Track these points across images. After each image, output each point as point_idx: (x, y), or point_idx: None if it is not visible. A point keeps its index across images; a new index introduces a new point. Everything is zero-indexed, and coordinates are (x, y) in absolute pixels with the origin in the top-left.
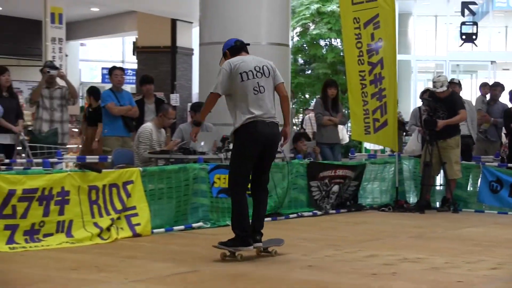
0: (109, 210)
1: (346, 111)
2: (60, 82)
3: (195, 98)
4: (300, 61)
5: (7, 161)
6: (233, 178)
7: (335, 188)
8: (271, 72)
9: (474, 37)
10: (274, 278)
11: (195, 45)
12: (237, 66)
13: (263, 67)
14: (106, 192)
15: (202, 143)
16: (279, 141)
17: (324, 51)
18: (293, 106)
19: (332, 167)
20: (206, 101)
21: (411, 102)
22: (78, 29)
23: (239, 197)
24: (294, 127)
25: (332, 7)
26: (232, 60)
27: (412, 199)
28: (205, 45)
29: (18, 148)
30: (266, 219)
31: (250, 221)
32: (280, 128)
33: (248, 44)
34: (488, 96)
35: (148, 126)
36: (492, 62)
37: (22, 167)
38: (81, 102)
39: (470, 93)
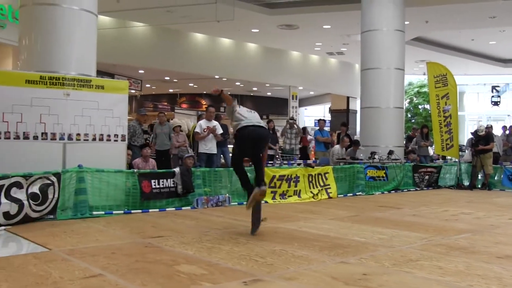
0: (317, 185)
1: (432, 139)
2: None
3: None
4: (409, 115)
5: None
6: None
7: (427, 177)
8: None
9: (498, 103)
10: (393, 218)
11: (358, 108)
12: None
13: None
14: (316, 177)
15: (362, 154)
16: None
17: (421, 110)
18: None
19: (425, 166)
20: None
21: (465, 136)
22: (303, 101)
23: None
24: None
25: (425, 89)
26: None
27: (466, 183)
28: (363, 108)
29: (276, 156)
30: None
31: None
32: None
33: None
34: (507, 132)
35: (336, 147)
36: (508, 115)
37: (278, 164)
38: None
39: (497, 131)
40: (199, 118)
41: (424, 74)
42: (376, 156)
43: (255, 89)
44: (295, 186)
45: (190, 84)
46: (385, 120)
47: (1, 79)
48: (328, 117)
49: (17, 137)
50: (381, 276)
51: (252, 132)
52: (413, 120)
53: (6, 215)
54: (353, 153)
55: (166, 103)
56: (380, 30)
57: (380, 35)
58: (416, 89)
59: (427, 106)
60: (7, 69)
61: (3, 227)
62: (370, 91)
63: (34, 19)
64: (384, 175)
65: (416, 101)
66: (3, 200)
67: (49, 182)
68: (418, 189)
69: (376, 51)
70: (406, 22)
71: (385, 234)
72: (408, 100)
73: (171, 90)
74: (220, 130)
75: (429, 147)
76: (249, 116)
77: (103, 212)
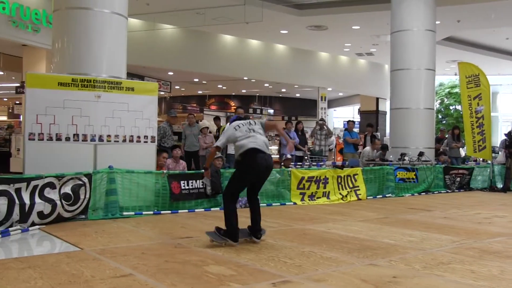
0: (346, 186)
1: (463, 141)
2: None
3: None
4: (440, 116)
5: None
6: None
7: (458, 179)
8: (257, 122)
9: None
10: (424, 221)
11: (388, 109)
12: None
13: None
14: (345, 179)
15: (391, 156)
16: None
17: (452, 111)
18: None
19: (457, 168)
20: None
21: (498, 137)
22: (332, 103)
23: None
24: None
25: (456, 89)
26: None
27: (499, 185)
28: (393, 109)
29: (305, 157)
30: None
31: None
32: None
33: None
34: None
35: (367, 149)
36: None
37: (307, 166)
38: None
39: None
40: (228, 119)
41: (455, 74)
42: (406, 158)
43: (283, 90)
44: (324, 187)
45: (219, 86)
46: (416, 121)
47: (35, 82)
48: (357, 118)
49: (50, 139)
50: (412, 279)
51: (262, 161)
52: (444, 121)
53: (40, 214)
54: (382, 155)
55: (195, 105)
56: (411, 30)
57: (410, 35)
58: (447, 90)
59: (459, 107)
60: (41, 72)
61: (37, 226)
62: (400, 92)
63: (67, 23)
64: (414, 177)
65: (447, 102)
66: (37, 200)
67: (80, 182)
68: (449, 191)
69: (406, 51)
70: (437, 22)
71: (415, 237)
72: (439, 101)
73: (200, 92)
74: None
75: (460, 149)
76: (253, 137)
77: (133, 213)
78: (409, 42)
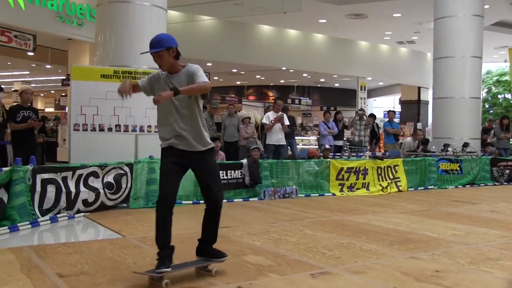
0: (386, 178)
1: None
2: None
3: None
4: (487, 106)
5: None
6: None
7: (507, 171)
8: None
9: None
10: (469, 214)
11: (430, 99)
12: None
13: None
14: (385, 170)
15: (434, 147)
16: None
17: (500, 100)
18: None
19: (505, 160)
20: (202, 87)
21: None
22: (372, 92)
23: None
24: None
25: (506, 77)
26: None
27: None
28: (436, 99)
29: (344, 148)
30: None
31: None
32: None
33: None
34: None
35: (408, 139)
36: None
37: (346, 157)
38: None
39: None
40: (266, 110)
41: (505, 61)
42: (449, 149)
43: (322, 80)
44: (364, 178)
45: (257, 76)
46: (460, 111)
47: (80, 74)
48: (398, 108)
49: (93, 129)
50: (456, 274)
51: None
52: (492, 111)
53: (85, 202)
54: (422, 150)
55: (233, 95)
56: (456, 16)
57: (455, 22)
58: (495, 78)
59: (508, 96)
60: (85, 65)
61: (82, 214)
62: (443, 81)
63: (109, 16)
64: (458, 169)
65: (495, 91)
66: (82, 188)
67: (122, 172)
68: (497, 184)
69: (451, 38)
70: (486, 6)
71: (459, 230)
72: (486, 90)
73: (238, 82)
74: (287, 122)
75: (510, 140)
76: None
77: None
78: (453, 28)
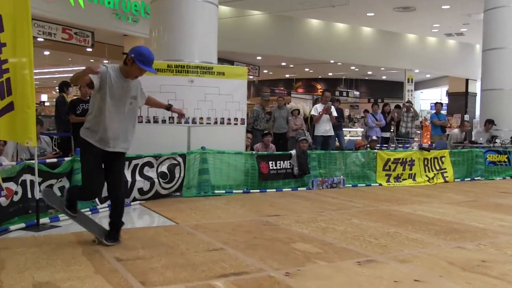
0: (433, 169)
1: None
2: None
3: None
4: None
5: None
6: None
7: None
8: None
9: None
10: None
11: (478, 91)
12: None
13: None
14: (432, 160)
15: (481, 138)
16: None
17: None
18: None
19: None
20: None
21: None
22: (419, 84)
23: None
24: None
25: None
26: None
27: None
28: (484, 90)
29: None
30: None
31: None
32: None
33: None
34: None
35: (455, 131)
36: None
37: (392, 148)
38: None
39: None
40: (315, 102)
41: None
42: (497, 140)
43: (369, 73)
44: (410, 169)
45: (305, 69)
46: (508, 102)
47: None
48: (445, 100)
49: (148, 121)
50: (503, 264)
51: None
52: None
53: (141, 191)
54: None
55: (282, 88)
56: (507, 6)
57: (506, 12)
58: None
59: None
60: None
61: (138, 202)
62: (492, 73)
63: (162, 12)
64: (506, 160)
65: None
66: (138, 177)
67: (176, 162)
68: None
69: (502, 29)
70: None
71: (507, 221)
72: None
73: (287, 75)
74: (334, 113)
75: None
76: None
77: (224, 191)
78: (505, 19)
